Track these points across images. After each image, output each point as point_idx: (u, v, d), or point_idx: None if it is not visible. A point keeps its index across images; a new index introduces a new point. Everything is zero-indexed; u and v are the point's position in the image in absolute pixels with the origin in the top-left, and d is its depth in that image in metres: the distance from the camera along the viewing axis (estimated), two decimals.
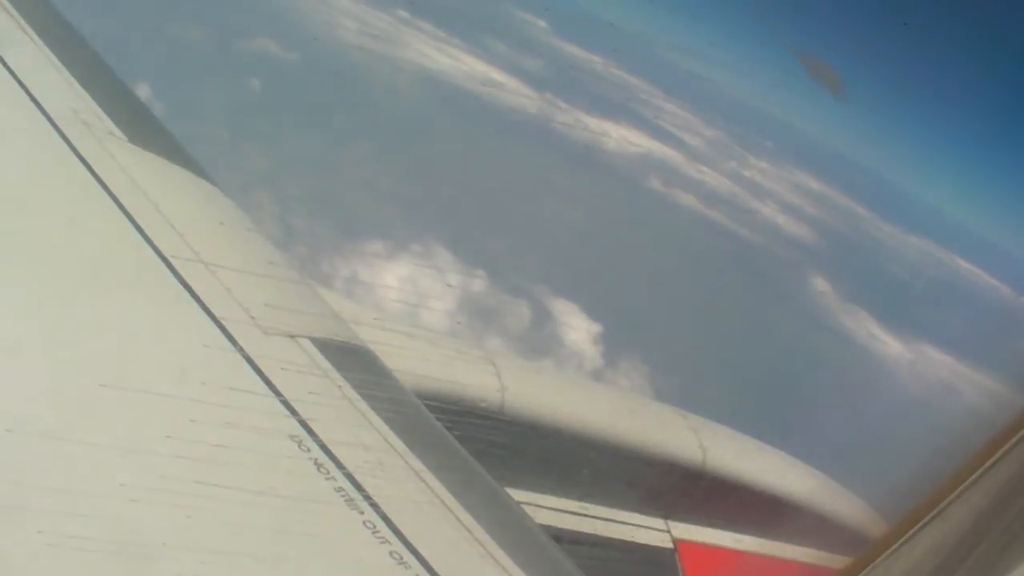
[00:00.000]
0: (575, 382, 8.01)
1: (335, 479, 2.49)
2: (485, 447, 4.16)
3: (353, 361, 3.01)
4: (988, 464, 2.57)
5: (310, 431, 2.56)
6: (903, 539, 2.72)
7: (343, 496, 2.45)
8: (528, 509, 4.43)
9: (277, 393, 2.60)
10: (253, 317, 2.86)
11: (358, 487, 2.48)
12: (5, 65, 3.62)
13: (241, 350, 2.71)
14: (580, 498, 4.71)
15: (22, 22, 4.05)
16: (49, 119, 3.45)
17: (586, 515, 4.69)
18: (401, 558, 2.33)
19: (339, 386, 2.79)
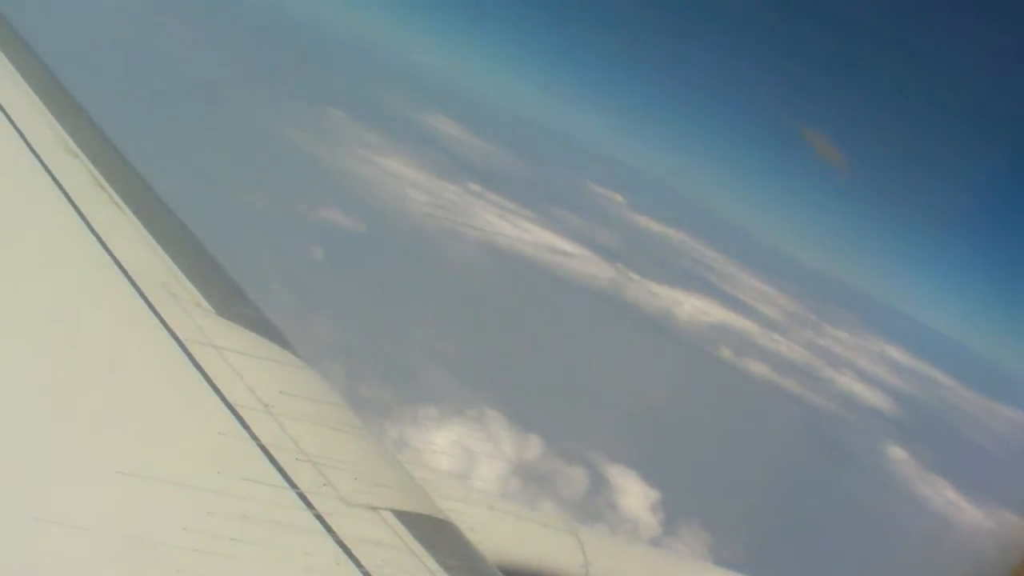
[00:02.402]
0: (658, 556, 7.88)
1: None
2: None
3: (437, 535, 3.06)
4: None
5: None
6: None
7: None
8: None
9: (360, 566, 2.66)
10: (336, 489, 2.96)
11: None
12: (98, 238, 3.84)
13: (327, 525, 2.79)
14: None
15: (116, 197, 4.32)
16: (138, 290, 3.64)
17: None
18: None
19: (423, 561, 2.85)
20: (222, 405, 3.16)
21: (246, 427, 3.09)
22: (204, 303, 3.80)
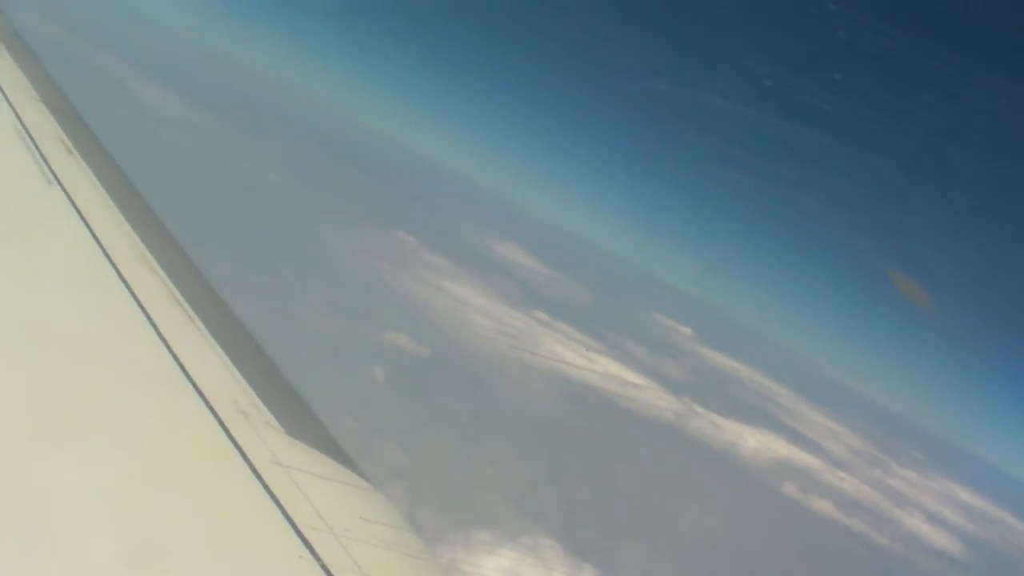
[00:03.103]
0: None
1: None
2: None
3: None
4: None
5: None
6: None
7: None
8: None
9: None
10: None
11: None
12: (171, 352, 3.89)
13: None
14: None
15: (191, 312, 4.39)
16: (209, 406, 3.66)
17: None
18: None
19: None
20: (288, 526, 3.14)
21: (311, 548, 3.06)
22: (273, 422, 3.82)
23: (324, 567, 3.00)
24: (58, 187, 4.92)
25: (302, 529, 3.15)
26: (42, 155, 5.27)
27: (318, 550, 3.07)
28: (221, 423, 3.59)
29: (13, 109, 5.87)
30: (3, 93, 6.09)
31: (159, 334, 4.00)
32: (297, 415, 4.05)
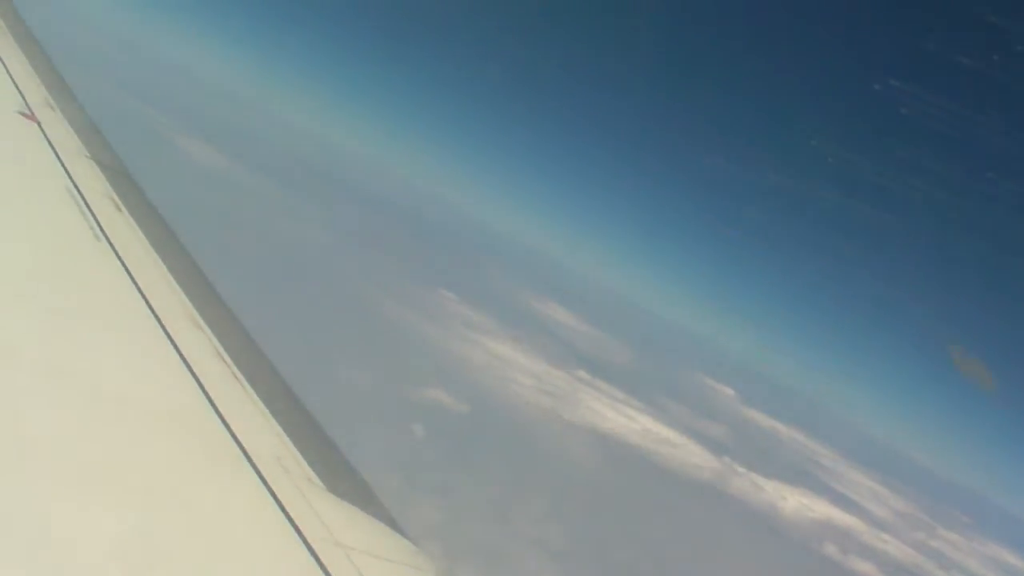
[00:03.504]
0: None
1: None
2: None
3: None
4: None
5: None
6: None
7: None
8: None
9: None
10: None
11: None
12: (218, 412, 3.92)
13: None
14: None
15: (235, 369, 4.43)
16: (251, 461, 3.69)
17: None
18: None
19: None
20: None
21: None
22: (315, 479, 3.84)
23: None
24: (106, 243, 5.01)
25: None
26: (91, 211, 5.37)
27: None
28: (262, 478, 3.61)
29: (63, 165, 5.99)
30: (53, 149, 6.22)
31: (203, 389, 4.05)
32: (338, 472, 4.07)
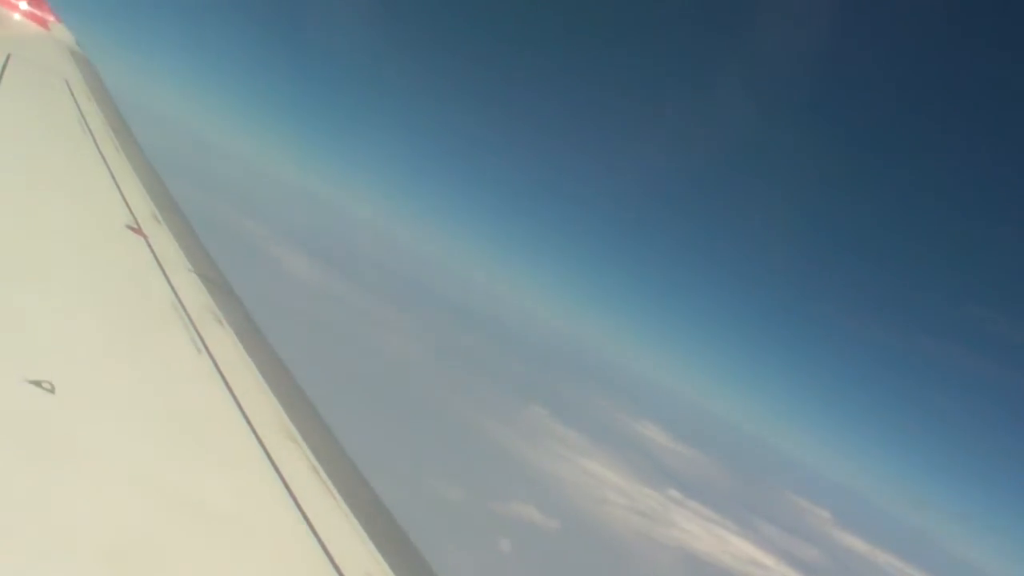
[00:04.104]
0: None
1: None
2: None
3: None
4: None
5: None
6: None
7: None
8: None
9: None
10: None
11: None
12: (310, 525, 3.96)
13: None
14: None
15: (329, 485, 4.48)
16: None
17: None
18: None
19: None
20: None
21: None
22: None
23: None
24: (207, 356, 5.15)
25: None
26: (193, 325, 5.54)
27: None
28: None
29: (167, 279, 6.20)
30: (158, 263, 6.45)
31: (297, 504, 4.10)
32: None
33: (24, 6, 14.88)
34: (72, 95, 10.78)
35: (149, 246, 6.69)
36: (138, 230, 6.92)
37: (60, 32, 14.83)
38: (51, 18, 15.16)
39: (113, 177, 8.10)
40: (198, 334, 5.42)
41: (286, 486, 4.18)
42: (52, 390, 3.75)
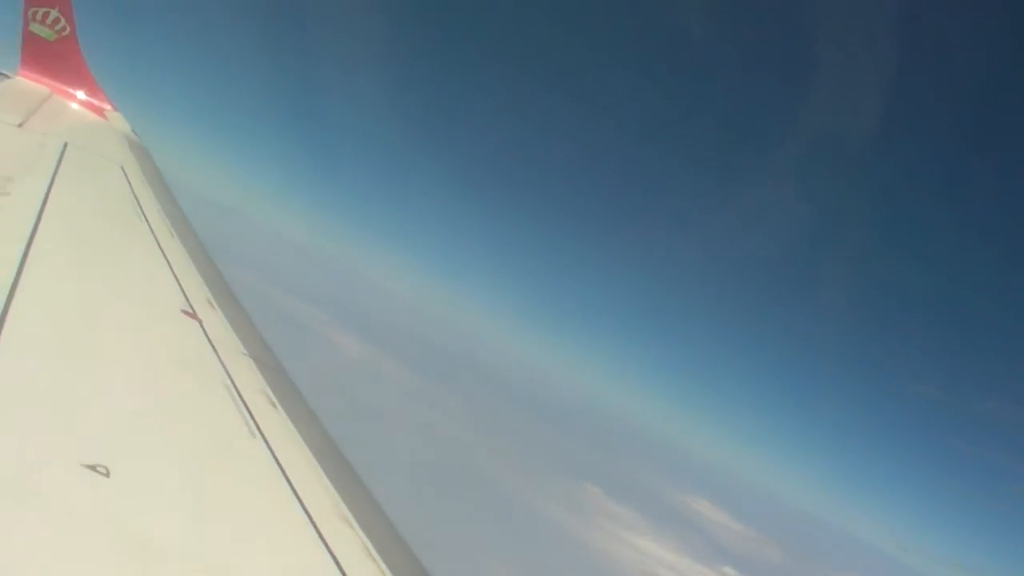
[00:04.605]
0: None
1: None
2: None
3: None
4: None
5: None
6: None
7: None
8: None
9: None
10: None
11: None
12: None
13: None
14: None
15: (386, 571, 4.45)
16: None
17: None
18: None
19: None
20: None
21: None
22: None
23: None
24: (260, 439, 5.17)
25: None
26: (247, 407, 5.57)
27: None
28: None
29: (221, 362, 6.26)
30: (213, 346, 6.52)
31: None
32: None
33: (82, 95, 15.33)
34: (128, 181, 11.02)
35: (203, 330, 6.77)
36: (192, 314, 7.01)
37: (117, 120, 15.22)
38: (108, 107, 15.58)
39: (168, 262, 8.23)
40: (252, 417, 5.46)
41: (341, 570, 4.17)
42: (107, 474, 3.78)
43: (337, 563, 4.22)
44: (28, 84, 14.63)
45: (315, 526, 4.48)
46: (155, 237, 8.98)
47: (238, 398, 5.68)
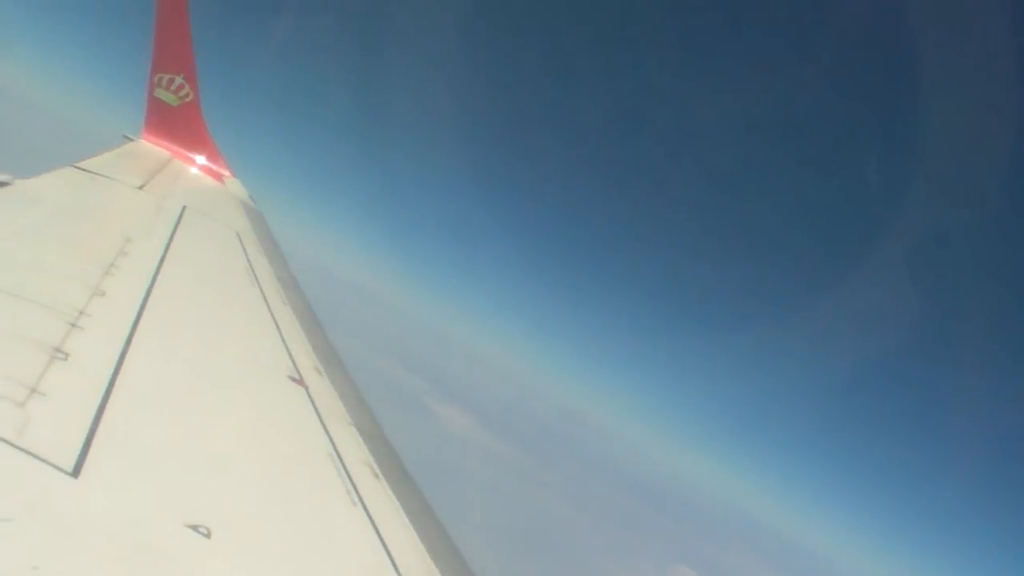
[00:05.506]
0: None
1: None
2: None
3: None
4: None
5: None
6: None
7: None
8: None
9: None
10: None
11: None
12: None
13: None
14: None
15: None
16: None
17: None
18: None
19: None
20: None
21: None
22: None
23: None
24: (361, 509, 5.21)
25: None
26: (349, 476, 5.62)
27: None
28: None
29: (326, 430, 6.34)
30: (318, 414, 6.61)
31: None
32: None
33: (201, 160, 15.88)
34: (242, 246, 11.33)
35: (310, 397, 6.87)
36: (300, 381, 7.13)
37: (234, 186, 15.70)
38: (226, 173, 16.11)
39: (278, 328, 8.40)
40: (354, 486, 5.50)
41: None
42: (208, 535, 3.84)
43: None
44: (150, 148, 15.22)
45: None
46: (266, 302, 9.18)
47: (341, 467, 5.74)
